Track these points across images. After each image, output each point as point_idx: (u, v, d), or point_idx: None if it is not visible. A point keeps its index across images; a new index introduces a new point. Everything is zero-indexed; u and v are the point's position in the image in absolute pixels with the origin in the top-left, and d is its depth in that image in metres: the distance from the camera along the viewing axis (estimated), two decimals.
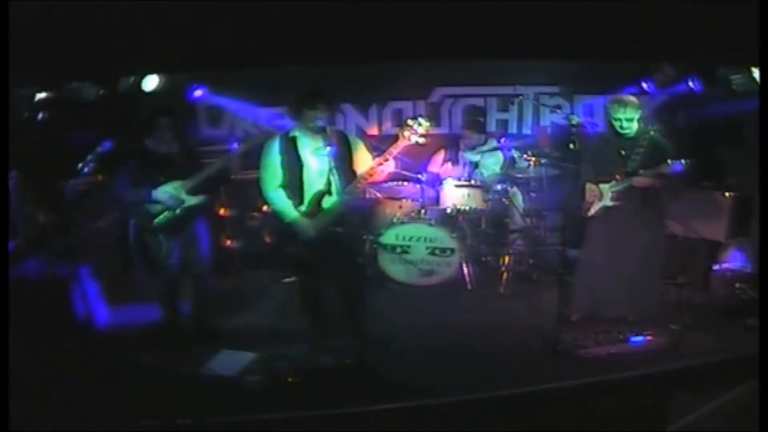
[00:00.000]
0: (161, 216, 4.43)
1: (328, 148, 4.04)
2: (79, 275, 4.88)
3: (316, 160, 4.11)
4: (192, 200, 4.47)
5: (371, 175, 4.11)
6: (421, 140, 4.10)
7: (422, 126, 4.03)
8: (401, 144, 4.07)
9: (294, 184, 4.14)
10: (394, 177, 6.01)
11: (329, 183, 4.08)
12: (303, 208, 4.13)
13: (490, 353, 4.41)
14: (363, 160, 4.18)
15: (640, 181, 4.52)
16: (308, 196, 4.13)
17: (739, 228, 5.32)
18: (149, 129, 4.47)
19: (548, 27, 2.96)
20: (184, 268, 4.57)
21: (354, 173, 4.13)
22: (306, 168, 4.13)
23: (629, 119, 4.52)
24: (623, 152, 4.57)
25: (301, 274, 4.46)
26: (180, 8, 2.75)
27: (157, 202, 4.41)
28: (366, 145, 4.35)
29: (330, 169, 4.05)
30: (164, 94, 5.75)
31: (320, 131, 4.07)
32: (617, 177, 4.59)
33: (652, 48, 3.28)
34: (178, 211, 4.44)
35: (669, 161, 4.42)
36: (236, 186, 6.19)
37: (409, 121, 4.07)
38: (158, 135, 4.46)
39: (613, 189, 4.62)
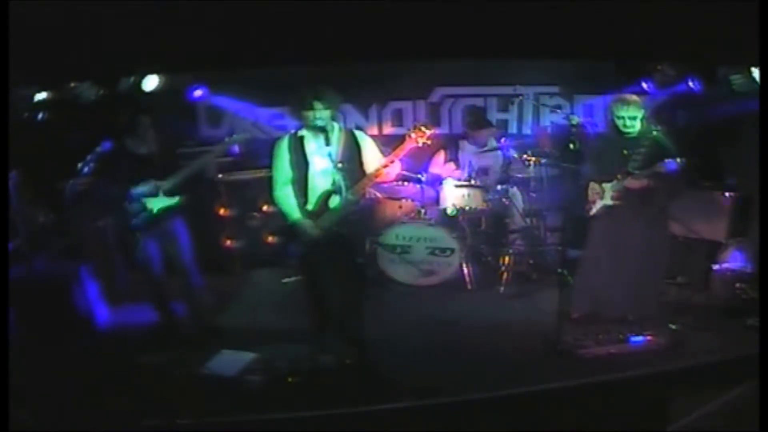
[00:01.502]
0: (138, 216, 4.44)
1: (332, 148, 4.04)
2: (79, 275, 4.89)
3: (321, 160, 4.10)
4: (169, 201, 4.48)
5: (377, 177, 4.10)
6: (429, 142, 4.12)
7: (429, 129, 4.05)
8: (408, 146, 4.07)
9: (301, 183, 4.13)
10: (394, 177, 6.00)
11: (334, 182, 4.07)
12: (309, 207, 4.13)
13: (490, 353, 4.42)
14: (373, 158, 4.17)
15: (633, 183, 4.52)
16: (314, 195, 4.12)
17: (739, 228, 5.32)
18: (129, 129, 4.47)
19: (548, 27, 2.95)
20: (165, 267, 4.58)
21: (363, 172, 4.11)
22: (312, 167, 4.12)
23: (632, 118, 4.53)
24: (626, 151, 4.57)
25: (303, 274, 4.46)
26: (180, 8, 2.75)
27: (134, 201, 4.42)
28: (376, 143, 4.34)
29: (335, 169, 4.04)
30: (164, 94, 5.75)
31: (323, 131, 4.05)
32: (619, 176, 4.59)
33: (652, 48, 3.28)
34: (154, 211, 4.45)
35: (670, 161, 4.42)
36: (236, 186, 6.22)
37: (417, 123, 4.09)
38: (138, 135, 4.46)
39: (615, 188, 4.62)
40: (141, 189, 4.43)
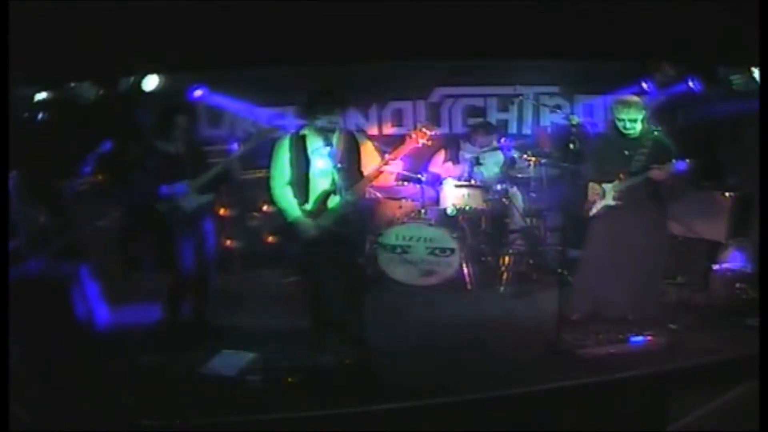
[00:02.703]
0: (170, 215, 4.45)
1: (334, 148, 4.05)
2: (79, 275, 4.88)
3: (322, 160, 4.11)
4: (200, 199, 4.49)
5: (376, 178, 4.12)
6: (429, 143, 4.13)
7: (430, 131, 4.07)
8: (408, 146, 4.09)
9: (300, 182, 4.14)
10: (394, 177, 6.02)
11: (334, 182, 4.08)
12: (308, 207, 4.14)
13: (490, 353, 4.41)
14: (371, 160, 4.19)
15: (656, 174, 4.48)
16: (314, 195, 4.13)
17: (739, 228, 5.32)
18: (161, 128, 4.49)
19: (548, 27, 2.96)
20: (191, 266, 4.59)
21: (361, 173, 4.13)
22: (312, 167, 4.13)
23: (633, 119, 4.52)
24: (626, 152, 4.57)
25: (303, 274, 4.46)
26: (180, 8, 2.76)
27: (166, 201, 4.43)
28: (375, 145, 4.36)
29: (335, 169, 4.05)
30: (164, 94, 5.75)
31: (328, 131, 4.07)
32: (620, 177, 4.59)
33: (652, 48, 3.28)
34: (186, 210, 4.46)
35: (671, 161, 4.42)
36: (237, 186, 6.22)
37: (419, 125, 4.11)
38: (170, 135, 4.48)
39: (616, 189, 4.61)
40: (175, 188, 4.44)
